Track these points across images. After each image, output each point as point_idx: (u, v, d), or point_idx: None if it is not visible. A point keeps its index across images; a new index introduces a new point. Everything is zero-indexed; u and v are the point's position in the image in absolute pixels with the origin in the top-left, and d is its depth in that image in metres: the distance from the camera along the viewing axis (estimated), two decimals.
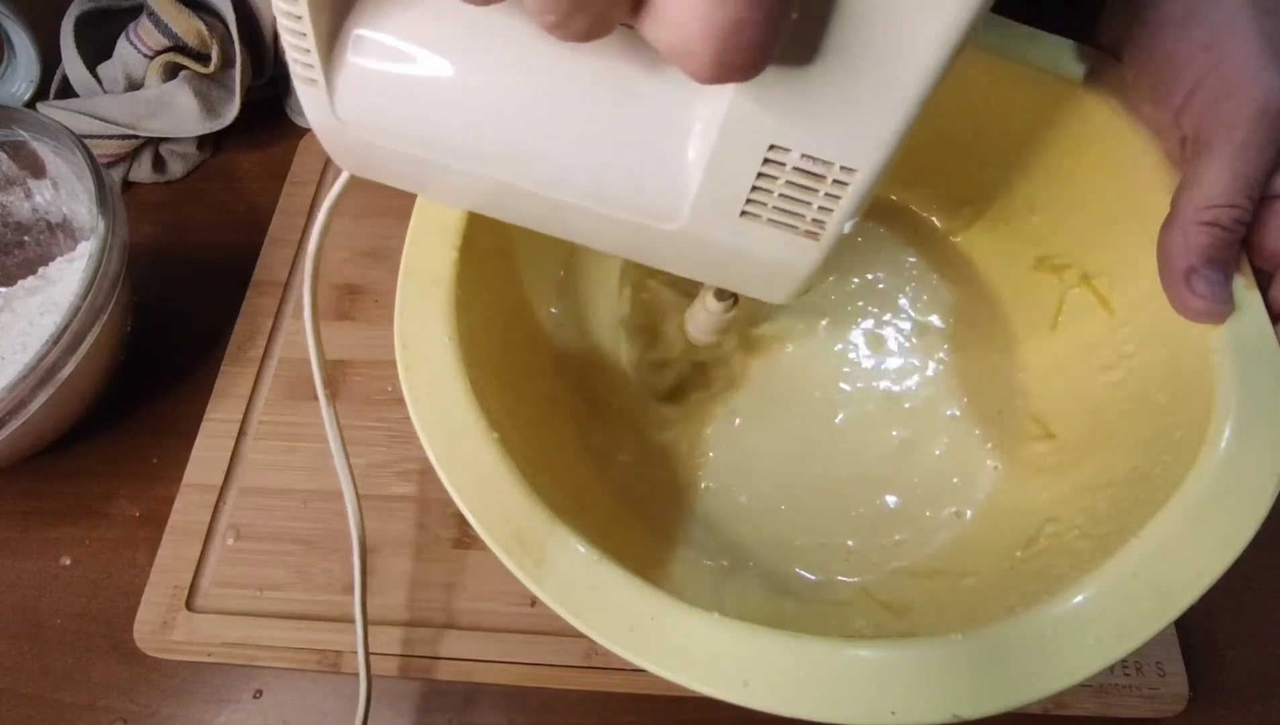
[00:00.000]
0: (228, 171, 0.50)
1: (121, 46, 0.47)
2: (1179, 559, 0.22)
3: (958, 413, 0.36)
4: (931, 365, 0.37)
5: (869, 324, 0.38)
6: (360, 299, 0.43)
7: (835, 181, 0.19)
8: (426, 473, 0.38)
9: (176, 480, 0.38)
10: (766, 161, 0.19)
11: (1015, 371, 0.36)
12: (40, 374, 0.33)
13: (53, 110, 0.46)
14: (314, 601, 0.35)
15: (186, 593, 0.36)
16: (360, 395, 0.40)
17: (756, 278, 0.24)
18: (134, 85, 0.47)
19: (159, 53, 0.46)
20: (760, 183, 0.20)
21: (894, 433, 0.36)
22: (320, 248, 0.28)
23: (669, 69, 0.20)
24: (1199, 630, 0.34)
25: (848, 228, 0.21)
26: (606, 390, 0.37)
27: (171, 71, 0.47)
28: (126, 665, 0.36)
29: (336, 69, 0.22)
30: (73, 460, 0.40)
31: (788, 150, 0.19)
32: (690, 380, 0.37)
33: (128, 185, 0.49)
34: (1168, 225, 0.27)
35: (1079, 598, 0.22)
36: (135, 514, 0.39)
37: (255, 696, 0.35)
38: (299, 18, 0.20)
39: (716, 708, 0.22)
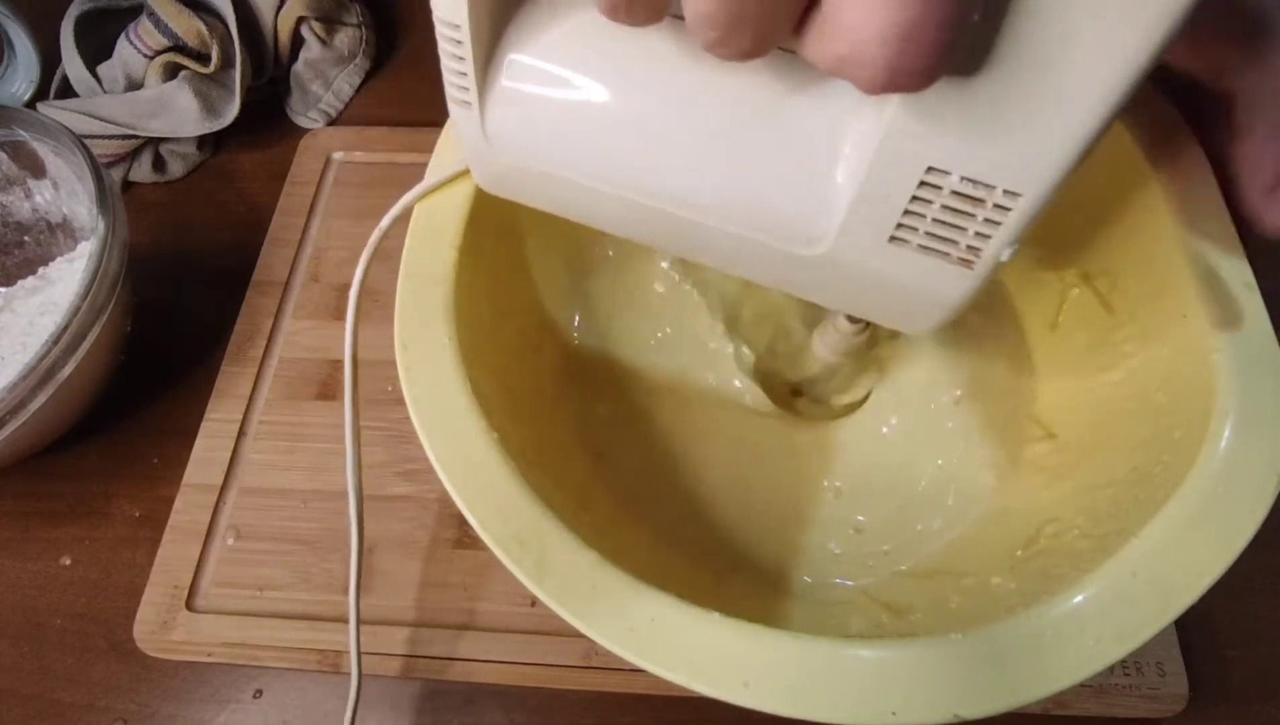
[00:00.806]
0: (228, 171, 0.50)
1: (121, 46, 0.47)
2: (1179, 559, 0.22)
3: (956, 413, 0.36)
4: (931, 365, 0.37)
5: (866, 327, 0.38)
6: (361, 299, 0.43)
7: (996, 206, 0.18)
8: (426, 473, 0.38)
9: (176, 480, 0.38)
10: (922, 185, 0.18)
11: (1015, 371, 0.36)
12: (40, 374, 0.33)
13: (53, 110, 0.46)
14: (314, 601, 0.35)
15: (186, 593, 0.36)
16: (360, 395, 0.40)
17: (899, 308, 0.22)
18: (134, 85, 0.47)
19: (159, 53, 0.46)
20: (914, 207, 0.19)
21: (892, 434, 0.36)
22: (363, 282, 0.29)
23: (818, 89, 0.20)
24: (1199, 630, 0.34)
25: (1006, 256, 0.19)
26: (609, 392, 0.37)
27: (171, 71, 0.47)
28: (126, 665, 0.36)
29: (489, 92, 0.22)
30: (73, 460, 0.40)
31: (947, 173, 0.18)
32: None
33: (128, 185, 0.49)
34: (1239, 137, 0.25)
35: (1079, 598, 0.22)
36: (135, 514, 0.39)
37: (255, 696, 0.35)
38: (460, 42, 0.21)
39: (716, 708, 0.22)
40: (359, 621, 0.30)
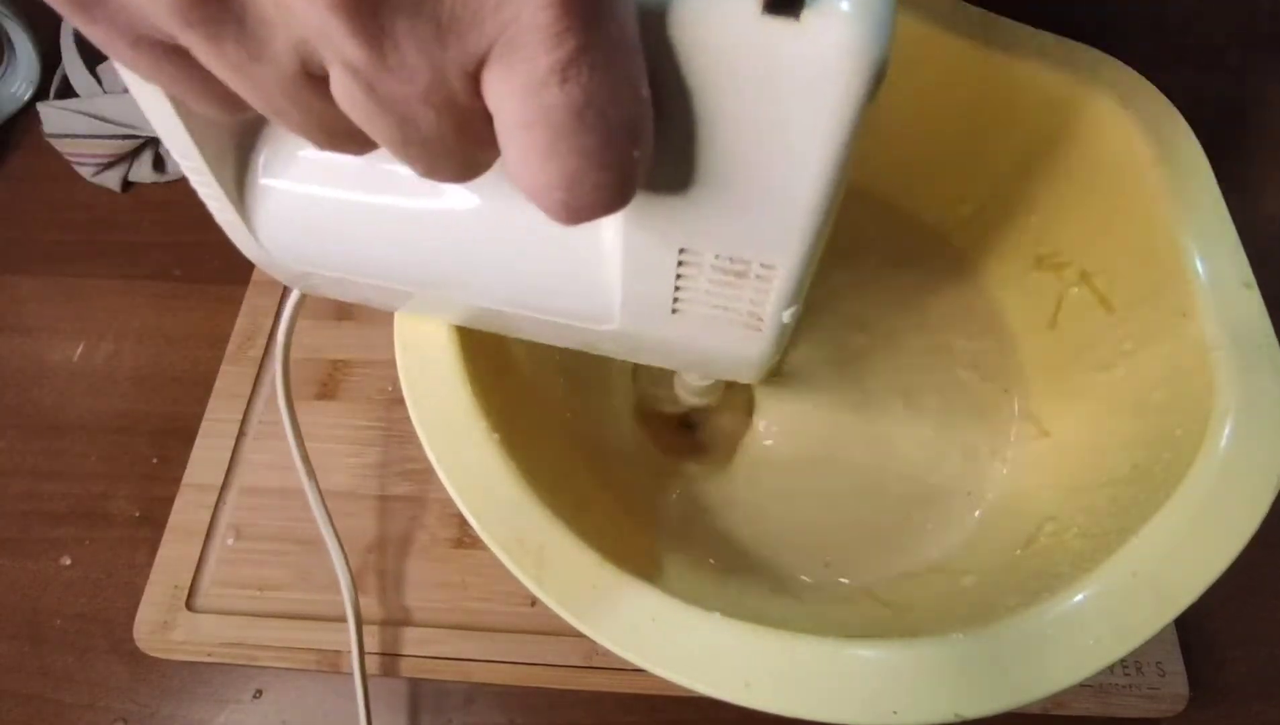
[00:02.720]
0: None
1: None
2: (1179, 558, 0.22)
3: (956, 412, 0.36)
4: (930, 365, 0.37)
5: (868, 324, 0.38)
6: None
7: (758, 277, 0.18)
8: (426, 473, 0.38)
9: (176, 480, 0.38)
10: (681, 263, 0.18)
11: (1015, 370, 0.36)
12: None
13: (53, 110, 0.46)
14: (314, 601, 0.35)
15: (186, 593, 0.36)
16: (360, 395, 0.40)
17: (715, 365, 0.23)
18: None
19: None
20: (682, 283, 0.19)
21: (892, 434, 0.36)
22: (288, 350, 0.29)
23: None
24: (1199, 630, 0.34)
25: (787, 318, 0.19)
26: (609, 392, 0.37)
27: None
28: (126, 665, 0.36)
29: (251, 210, 0.22)
30: (73, 460, 0.40)
31: (699, 252, 0.18)
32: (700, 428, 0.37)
33: (128, 185, 0.49)
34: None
35: (1079, 597, 0.22)
36: (135, 514, 0.39)
37: (255, 696, 0.35)
38: (203, 172, 0.20)
39: (717, 708, 0.22)
40: (359, 623, 0.30)
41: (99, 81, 0.48)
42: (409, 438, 0.38)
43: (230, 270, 0.45)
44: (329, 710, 0.35)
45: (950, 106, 0.35)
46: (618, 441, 0.35)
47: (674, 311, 0.20)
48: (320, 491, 0.31)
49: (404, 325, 0.27)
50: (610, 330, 0.21)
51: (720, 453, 0.36)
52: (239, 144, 0.21)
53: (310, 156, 0.21)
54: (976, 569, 0.30)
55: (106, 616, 0.37)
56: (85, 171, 0.48)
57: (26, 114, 0.51)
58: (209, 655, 0.34)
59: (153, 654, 0.35)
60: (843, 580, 0.32)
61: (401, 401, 0.25)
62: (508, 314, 0.22)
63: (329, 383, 0.41)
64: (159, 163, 0.49)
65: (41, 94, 0.50)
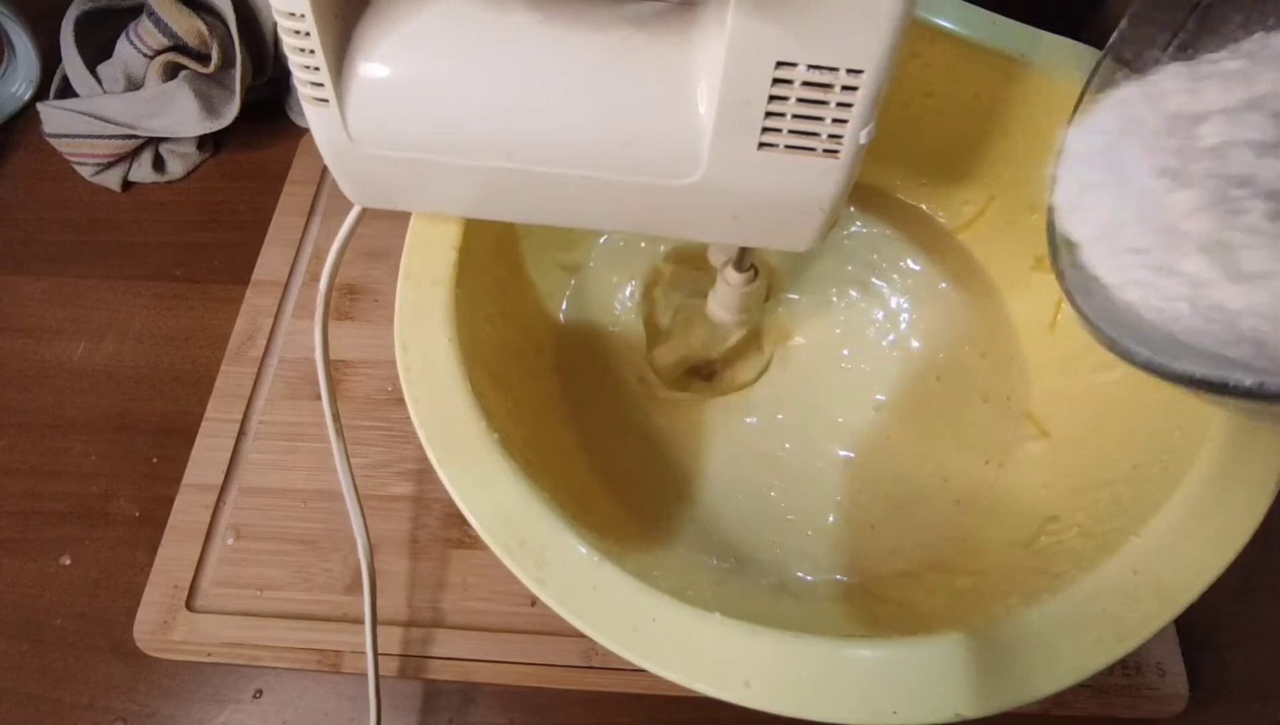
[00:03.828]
0: (228, 171, 0.50)
1: (121, 46, 0.46)
2: (1179, 557, 0.22)
3: (957, 413, 0.36)
4: (930, 365, 0.37)
5: (869, 323, 0.38)
6: (360, 299, 0.43)
7: (844, 88, 0.20)
8: (426, 473, 0.38)
9: (176, 480, 0.38)
10: (775, 82, 0.20)
11: (1014, 370, 0.36)
12: None
13: (53, 110, 0.46)
14: (314, 601, 0.35)
15: (186, 593, 0.36)
16: (360, 395, 0.40)
17: (781, 221, 0.24)
18: (134, 85, 0.47)
19: (159, 52, 0.46)
20: (773, 106, 0.20)
21: (892, 434, 0.36)
22: (333, 280, 0.28)
23: (664, 29, 0.21)
24: (1199, 630, 0.34)
25: (864, 138, 0.21)
26: (609, 391, 0.37)
27: (171, 71, 0.47)
28: (126, 665, 0.36)
29: (346, 87, 0.22)
30: (73, 460, 0.40)
31: (794, 65, 0.19)
32: (700, 371, 0.38)
33: (128, 185, 0.49)
34: None
35: (1079, 596, 0.22)
36: (135, 514, 0.39)
37: (255, 696, 0.35)
38: (306, 34, 0.20)
39: (717, 708, 0.22)
40: (375, 622, 0.30)
41: (99, 81, 0.48)
42: (409, 438, 0.38)
43: (230, 270, 0.45)
44: (329, 710, 0.35)
45: (956, 107, 0.35)
46: (617, 441, 0.35)
47: (760, 145, 0.21)
48: (347, 449, 0.30)
49: (404, 325, 0.27)
50: (692, 183, 0.22)
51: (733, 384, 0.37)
52: (344, 20, 0.21)
53: (408, 30, 0.22)
54: (977, 569, 0.30)
55: (106, 616, 0.37)
56: (85, 171, 0.48)
57: (26, 114, 0.51)
58: (209, 655, 0.34)
59: (153, 654, 0.35)
60: (842, 579, 0.32)
61: (401, 401, 0.25)
62: (586, 181, 0.23)
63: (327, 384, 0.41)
64: (159, 163, 0.49)
65: (41, 94, 0.50)
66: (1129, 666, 0.33)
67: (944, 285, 0.39)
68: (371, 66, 0.22)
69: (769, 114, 0.20)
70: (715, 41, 0.20)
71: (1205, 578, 0.22)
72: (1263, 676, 0.35)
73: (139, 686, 0.35)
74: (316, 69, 0.21)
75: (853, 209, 0.40)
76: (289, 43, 0.21)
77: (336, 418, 0.29)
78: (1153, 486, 0.25)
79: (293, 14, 0.20)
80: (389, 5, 0.22)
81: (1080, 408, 0.33)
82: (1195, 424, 0.25)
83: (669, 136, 0.22)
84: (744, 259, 0.30)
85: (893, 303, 0.39)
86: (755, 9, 0.19)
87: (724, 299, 0.32)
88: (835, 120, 0.20)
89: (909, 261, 0.39)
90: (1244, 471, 0.23)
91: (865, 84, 0.20)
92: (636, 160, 0.22)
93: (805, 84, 0.20)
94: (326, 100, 0.22)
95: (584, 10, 0.21)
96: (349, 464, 0.30)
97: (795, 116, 0.20)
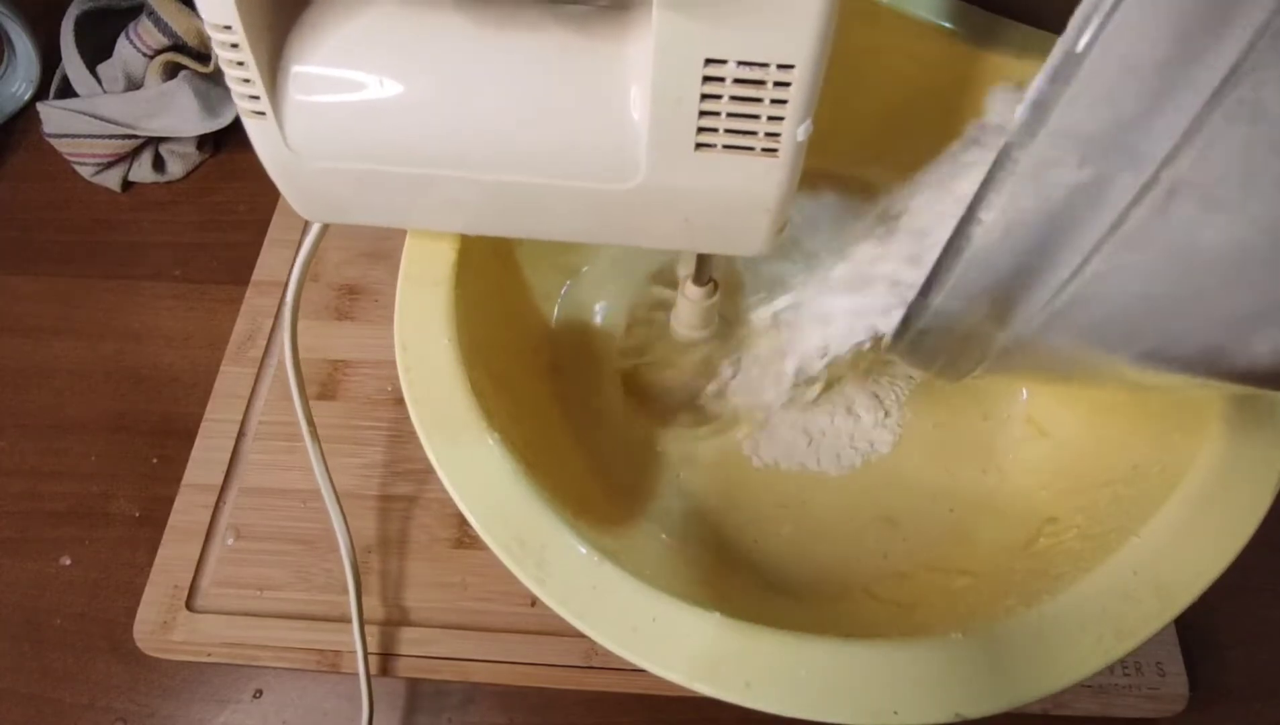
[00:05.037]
0: (228, 171, 0.50)
1: (121, 46, 0.46)
2: (1179, 557, 0.22)
3: (954, 414, 0.36)
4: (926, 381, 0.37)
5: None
6: (360, 299, 0.43)
7: (776, 84, 0.19)
8: (426, 473, 0.38)
9: (176, 480, 0.38)
10: (706, 80, 0.19)
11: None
12: None
13: (53, 110, 0.46)
14: (314, 601, 0.35)
15: (186, 593, 0.36)
16: (360, 395, 0.40)
17: (729, 225, 0.23)
18: (134, 85, 0.47)
19: (159, 52, 0.46)
20: (706, 106, 0.20)
21: (891, 435, 0.36)
22: (300, 291, 0.28)
23: (596, 36, 0.21)
24: (1199, 630, 0.34)
25: (801, 135, 0.20)
26: (607, 392, 0.37)
27: (171, 71, 0.47)
28: (126, 665, 0.36)
29: (282, 98, 0.22)
30: (73, 460, 0.40)
31: (724, 62, 0.19)
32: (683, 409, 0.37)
33: (128, 185, 0.49)
34: None
35: (1079, 597, 0.22)
36: (135, 514, 0.39)
37: (255, 696, 0.35)
38: (236, 46, 0.20)
39: (716, 708, 0.22)
40: (362, 620, 0.30)
41: (99, 81, 0.48)
42: (409, 438, 0.38)
43: (230, 270, 0.45)
44: (329, 710, 0.35)
45: (946, 104, 0.35)
46: (616, 441, 0.35)
47: (697, 146, 0.21)
48: (328, 467, 0.30)
49: (404, 325, 0.27)
50: (633, 186, 0.22)
51: (711, 417, 0.36)
52: (275, 31, 0.21)
53: (343, 38, 0.22)
54: (976, 569, 0.30)
55: (106, 616, 0.37)
56: (85, 171, 0.48)
57: (26, 114, 0.51)
58: (209, 655, 0.34)
59: (153, 654, 0.35)
60: (842, 580, 0.32)
61: (401, 401, 0.25)
62: (527, 187, 0.22)
63: (329, 383, 0.41)
64: (159, 163, 0.49)
65: (41, 94, 0.50)
66: (1129, 666, 0.33)
67: None
68: (305, 77, 0.22)
69: (703, 113, 0.20)
70: (646, 41, 0.19)
71: (1205, 578, 0.22)
72: (1263, 676, 0.35)
73: (139, 686, 0.35)
74: (249, 81, 0.21)
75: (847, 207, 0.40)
76: (222, 55, 0.21)
77: (310, 422, 0.30)
78: (1152, 487, 0.25)
79: (222, 26, 0.20)
80: (321, 14, 0.22)
81: (1079, 409, 0.33)
82: (1195, 424, 0.25)
83: (605, 139, 0.21)
84: (702, 272, 0.30)
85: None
86: (678, 5, 0.18)
87: (683, 315, 0.32)
88: (771, 118, 0.20)
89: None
90: (1244, 471, 0.23)
91: (797, 79, 0.19)
92: (576, 165, 0.22)
93: (737, 81, 0.19)
94: (263, 112, 0.22)
95: (516, 12, 0.21)
96: (325, 465, 0.30)
97: (730, 115, 0.20)
